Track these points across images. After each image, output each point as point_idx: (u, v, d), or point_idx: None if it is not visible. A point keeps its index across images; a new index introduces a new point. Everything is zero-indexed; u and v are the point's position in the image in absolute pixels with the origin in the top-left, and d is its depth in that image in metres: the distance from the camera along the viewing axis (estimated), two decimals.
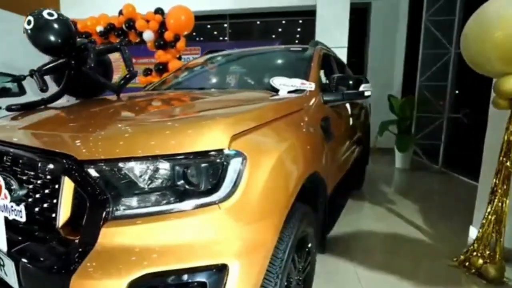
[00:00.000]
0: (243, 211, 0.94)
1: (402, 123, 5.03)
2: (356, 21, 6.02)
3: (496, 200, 1.95)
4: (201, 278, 0.87)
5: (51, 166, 0.97)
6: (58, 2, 6.71)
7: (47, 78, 1.72)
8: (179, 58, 5.28)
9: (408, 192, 3.87)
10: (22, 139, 1.13)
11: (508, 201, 1.92)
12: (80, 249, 0.87)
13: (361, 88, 1.80)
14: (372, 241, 2.56)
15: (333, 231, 2.17)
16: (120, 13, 5.01)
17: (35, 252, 0.97)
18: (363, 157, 3.57)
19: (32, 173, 1.04)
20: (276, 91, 1.66)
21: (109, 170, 0.90)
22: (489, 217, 1.99)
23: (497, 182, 1.95)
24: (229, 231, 0.92)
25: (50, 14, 1.53)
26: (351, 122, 2.57)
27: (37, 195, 1.02)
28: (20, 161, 1.09)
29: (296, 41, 7.73)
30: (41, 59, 1.78)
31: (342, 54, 5.09)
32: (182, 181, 0.92)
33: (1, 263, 1.03)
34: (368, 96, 1.85)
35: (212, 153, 0.93)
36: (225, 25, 7.46)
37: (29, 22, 1.49)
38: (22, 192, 1.03)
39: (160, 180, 0.92)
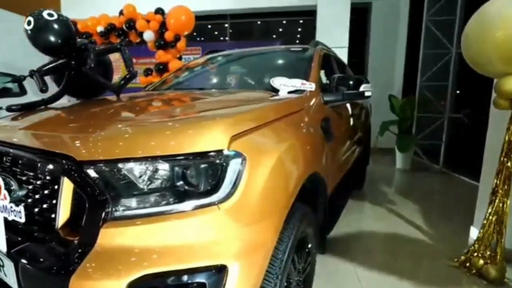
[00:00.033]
0: (242, 211, 0.94)
1: (403, 123, 5.02)
2: (356, 21, 5.99)
3: (497, 201, 1.95)
4: (200, 278, 0.87)
5: (50, 166, 0.97)
6: (58, 2, 6.71)
7: (47, 78, 1.73)
8: (180, 58, 5.29)
9: (408, 192, 3.86)
10: (22, 139, 1.13)
11: (509, 201, 1.92)
12: (80, 250, 0.87)
13: (362, 89, 1.79)
14: (372, 241, 2.56)
15: (333, 231, 2.17)
16: (121, 13, 5.01)
17: (34, 252, 0.97)
18: (363, 157, 3.57)
19: (32, 173, 1.04)
20: (276, 91, 1.66)
21: (108, 170, 0.90)
22: (490, 217, 1.98)
23: (498, 182, 1.95)
24: (229, 231, 0.92)
25: (50, 15, 1.53)
26: (351, 122, 2.56)
27: (37, 196, 1.02)
28: (20, 161, 1.09)
29: (297, 41, 7.72)
30: (41, 59, 1.78)
31: (343, 54, 5.08)
32: (181, 182, 0.92)
33: (1, 263, 1.03)
34: (368, 97, 1.85)
35: (212, 153, 0.93)
36: (226, 25, 7.46)
37: (29, 23, 1.50)
38: (22, 193, 1.03)
39: (159, 181, 0.91)
